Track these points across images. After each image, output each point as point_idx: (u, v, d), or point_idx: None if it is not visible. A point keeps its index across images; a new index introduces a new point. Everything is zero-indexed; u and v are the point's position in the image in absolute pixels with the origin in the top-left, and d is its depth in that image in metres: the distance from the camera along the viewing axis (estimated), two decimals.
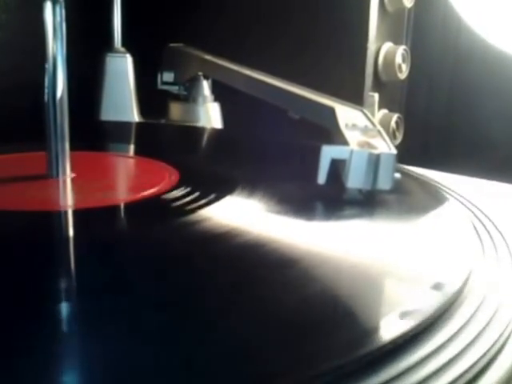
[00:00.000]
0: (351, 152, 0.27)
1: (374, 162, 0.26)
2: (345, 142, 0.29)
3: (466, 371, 0.15)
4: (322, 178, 0.27)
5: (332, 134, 0.33)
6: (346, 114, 0.33)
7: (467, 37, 0.53)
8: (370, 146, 0.28)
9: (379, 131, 0.31)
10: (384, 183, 0.27)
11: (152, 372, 0.13)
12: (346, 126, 0.31)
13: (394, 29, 0.52)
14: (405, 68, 0.51)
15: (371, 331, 0.16)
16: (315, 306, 0.17)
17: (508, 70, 0.51)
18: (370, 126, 0.32)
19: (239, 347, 0.15)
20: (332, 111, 0.34)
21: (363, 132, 0.31)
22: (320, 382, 0.14)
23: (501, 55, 0.51)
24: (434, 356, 0.15)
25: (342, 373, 0.14)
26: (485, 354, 0.16)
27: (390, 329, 0.16)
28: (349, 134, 0.30)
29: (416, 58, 0.52)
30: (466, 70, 0.54)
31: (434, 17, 0.54)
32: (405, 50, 0.51)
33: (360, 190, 0.27)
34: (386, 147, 0.28)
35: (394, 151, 0.27)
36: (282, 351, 0.15)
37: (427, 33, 0.54)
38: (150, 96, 0.50)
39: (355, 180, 0.27)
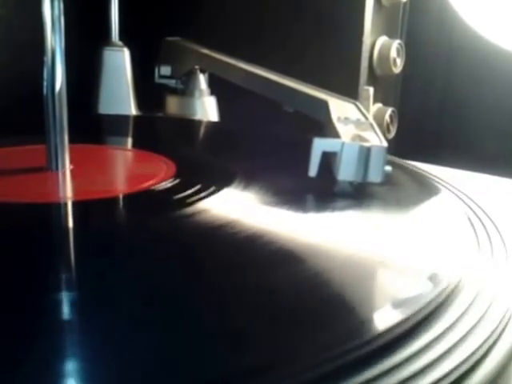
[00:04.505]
0: (342, 145, 0.27)
1: (365, 154, 0.27)
2: (337, 135, 0.29)
3: (461, 363, 0.15)
4: (313, 170, 0.27)
5: (325, 126, 0.33)
6: (338, 107, 0.34)
7: (462, 31, 0.53)
8: (361, 138, 0.29)
9: (371, 124, 0.31)
10: (374, 176, 0.27)
11: (148, 363, 0.14)
12: (339, 119, 0.32)
13: (389, 23, 0.52)
14: (399, 62, 0.52)
15: (365, 323, 0.16)
16: (310, 298, 0.18)
17: (502, 64, 0.51)
18: (362, 119, 0.32)
19: (234, 338, 0.15)
20: (325, 104, 0.34)
21: (355, 125, 0.31)
22: (313, 373, 0.14)
23: (495, 50, 0.51)
24: (428, 349, 0.15)
25: (337, 364, 0.14)
26: (480, 347, 0.16)
27: (383, 321, 0.16)
28: (340, 127, 0.30)
29: (411, 52, 0.52)
30: (461, 65, 0.54)
31: (429, 11, 0.55)
32: (399, 44, 0.51)
33: (351, 183, 0.28)
34: (377, 140, 0.28)
35: (385, 144, 0.28)
36: (277, 342, 0.15)
37: (422, 27, 0.55)
38: (147, 90, 0.50)
39: (346, 173, 0.27)
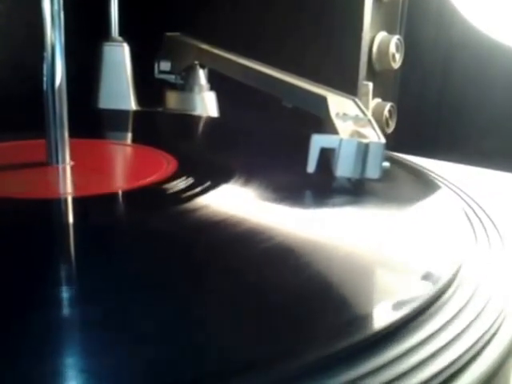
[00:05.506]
0: (340, 141, 0.27)
1: (363, 151, 0.27)
2: (335, 131, 0.29)
3: (457, 359, 0.15)
4: (311, 166, 0.27)
5: (324, 122, 0.33)
6: (337, 103, 0.34)
7: (460, 26, 0.53)
8: (359, 135, 0.29)
9: (369, 120, 0.31)
10: (372, 172, 0.27)
11: (147, 359, 0.14)
12: (337, 115, 0.32)
13: (388, 18, 0.52)
14: (398, 57, 0.52)
15: (362, 320, 0.16)
16: (307, 294, 0.18)
17: (501, 59, 0.51)
18: (360, 115, 0.32)
19: (231, 334, 0.15)
20: (324, 100, 0.34)
21: (354, 121, 0.31)
22: (309, 370, 0.14)
23: (494, 45, 0.51)
24: (425, 344, 0.15)
25: (333, 360, 0.14)
26: (476, 343, 0.16)
27: (380, 318, 0.16)
28: (339, 123, 0.30)
29: (409, 47, 0.52)
30: (459, 60, 0.54)
31: (428, 6, 0.55)
32: (399, 39, 0.51)
33: (349, 179, 0.28)
34: (375, 136, 0.29)
35: (383, 140, 0.28)
36: (274, 337, 0.15)
37: (421, 22, 0.55)
38: (147, 85, 0.50)
39: (344, 169, 0.27)
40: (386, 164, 0.28)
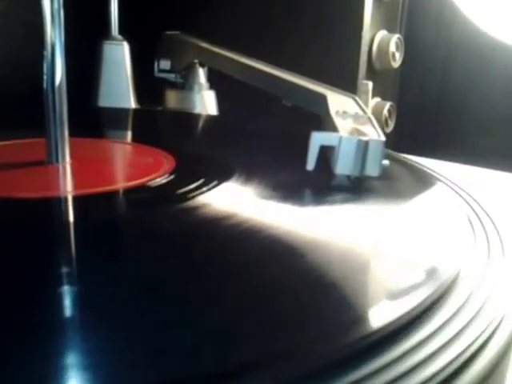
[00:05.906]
0: (340, 139, 0.27)
1: (363, 148, 0.27)
2: (335, 129, 0.29)
3: (456, 358, 0.15)
4: (311, 164, 0.27)
5: (323, 120, 0.33)
6: (337, 101, 0.34)
7: (461, 25, 0.53)
8: (359, 132, 0.29)
9: (369, 118, 0.31)
10: (372, 170, 0.27)
11: (147, 356, 0.14)
12: (337, 113, 0.32)
13: (388, 17, 0.52)
14: (398, 56, 0.52)
15: (362, 318, 0.16)
16: (307, 291, 0.18)
17: (501, 58, 0.52)
18: (360, 113, 0.32)
19: (231, 331, 0.15)
20: (324, 98, 0.34)
21: (354, 119, 0.31)
22: (308, 369, 0.14)
23: (494, 44, 0.51)
24: (424, 344, 0.15)
25: (334, 359, 0.14)
26: (474, 342, 0.16)
27: (379, 316, 0.16)
28: (339, 121, 0.30)
29: (409, 46, 0.53)
30: (460, 59, 0.54)
31: (429, 5, 0.55)
32: (399, 38, 0.51)
33: (348, 177, 0.28)
34: (375, 134, 0.29)
35: (383, 138, 0.28)
36: (274, 336, 0.15)
37: (421, 21, 0.55)
38: (146, 84, 0.50)
39: (344, 166, 0.27)
40: (386, 162, 0.28)
